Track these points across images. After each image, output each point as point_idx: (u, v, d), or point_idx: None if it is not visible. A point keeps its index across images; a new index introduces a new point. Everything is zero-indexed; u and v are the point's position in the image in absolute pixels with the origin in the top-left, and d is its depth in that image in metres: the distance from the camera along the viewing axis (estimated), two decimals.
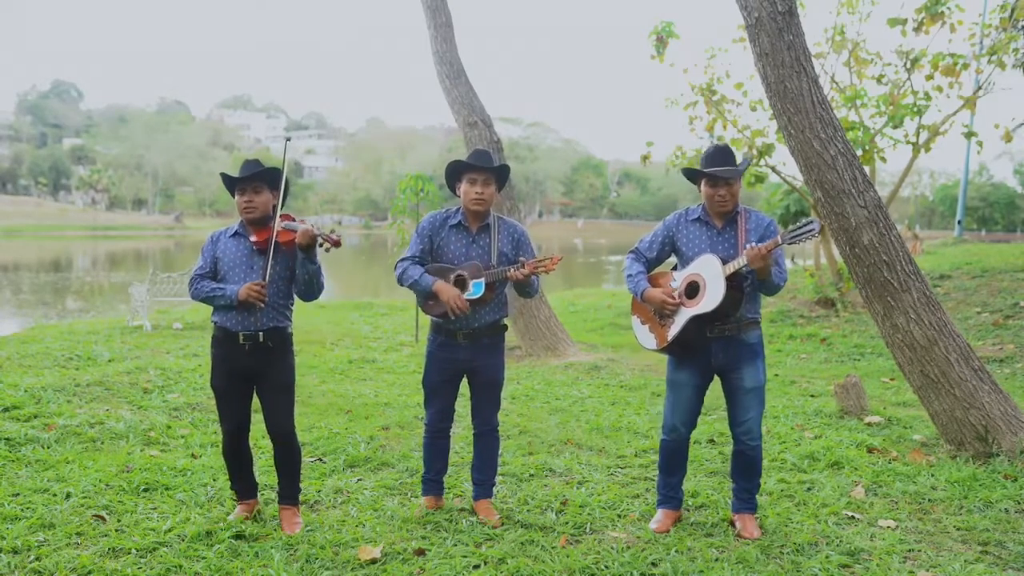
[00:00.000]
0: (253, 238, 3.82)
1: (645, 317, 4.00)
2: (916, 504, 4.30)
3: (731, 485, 4.07)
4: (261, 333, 3.78)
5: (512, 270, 3.87)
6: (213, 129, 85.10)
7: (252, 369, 3.82)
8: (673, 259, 4.05)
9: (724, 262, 3.70)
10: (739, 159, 3.88)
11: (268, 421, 3.89)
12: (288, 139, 4.13)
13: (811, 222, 3.55)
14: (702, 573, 3.46)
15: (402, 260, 4.04)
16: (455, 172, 4.03)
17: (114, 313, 14.06)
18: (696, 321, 3.76)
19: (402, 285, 4.03)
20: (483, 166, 3.97)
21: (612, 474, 4.85)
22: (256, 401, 3.94)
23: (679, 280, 3.87)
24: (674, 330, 3.83)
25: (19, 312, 16.08)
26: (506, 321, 4.13)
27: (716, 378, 3.96)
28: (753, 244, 3.63)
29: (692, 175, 3.94)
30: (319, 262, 3.79)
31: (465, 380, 4.13)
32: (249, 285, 3.69)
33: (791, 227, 3.62)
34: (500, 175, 4.03)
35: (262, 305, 3.72)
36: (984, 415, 4.94)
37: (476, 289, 3.90)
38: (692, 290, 3.80)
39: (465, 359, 4.02)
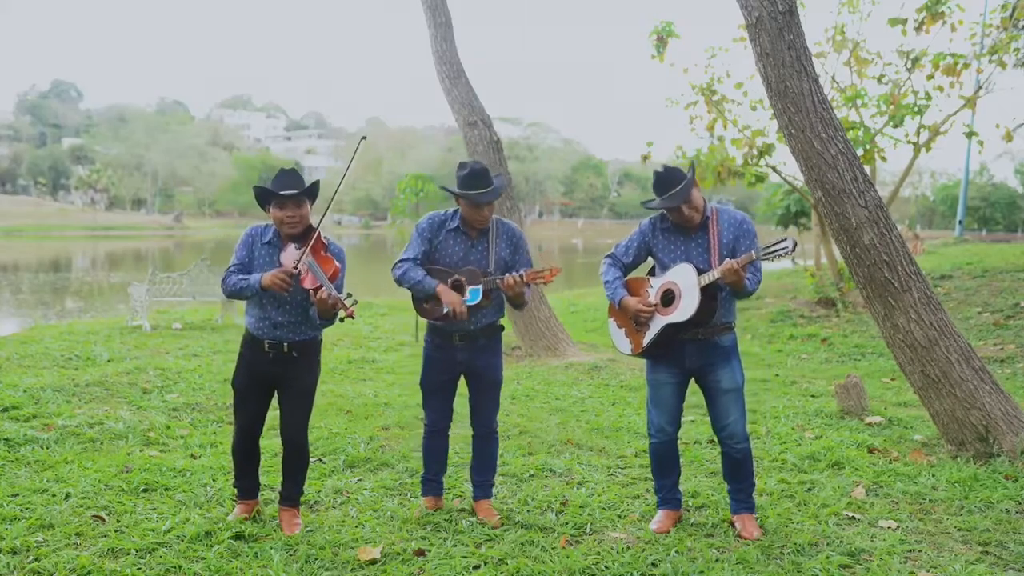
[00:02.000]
0: (284, 260, 3.70)
1: (621, 322, 4.02)
2: (917, 504, 4.30)
3: (727, 487, 4.06)
4: (286, 344, 3.76)
5: (509, 277, 3.82)
6: (213, 129, 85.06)
7: (274, 375, 3.81)
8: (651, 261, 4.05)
9: (700, 272, 3.72)
10: (686, 171, 3.84)
11: (283, 424, 3.88)
12: (363, 138, 4.01)
13: (786, 240, 3.59)
14: (702, 574, 3.45)
15: (403, 260, 4.01)
16: (458, 195, 3.95)
17: (113, 313, 14.05)
18: (672, 328, 3.79)
19: (402, 286, 4.00)
20: (487, 200, 3.88)
21: (612, 474, 4.84)
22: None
23: (655, 287, 3.88)
24: (649, 336, 3.87)
25: (18, 312, 16.07)
26: (502, 321, 4.13)
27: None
28: (728, 258, 3.69)
29: (649, 207, 3.89)
30: (335, 320, 3.70)
31: (464, 381, 4.12)
32: (275, 272, 3.59)
33: (767, 244, 3.65)
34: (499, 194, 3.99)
35: (286, 293, 3.61)
36: (985, 415, 4.93)
37: (473, 296, 3.89)
38: (668, 298, 3.82)
39: (463, 360, 4.02)
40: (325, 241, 3.75)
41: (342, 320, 3.62)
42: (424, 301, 3.99)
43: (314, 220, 3.81)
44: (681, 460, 4.15)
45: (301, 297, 3.73)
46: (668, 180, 3.79)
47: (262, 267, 3.76)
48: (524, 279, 3.81)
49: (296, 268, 3.61)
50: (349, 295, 3.56)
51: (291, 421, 3.85)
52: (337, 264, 3.70)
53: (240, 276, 3.73)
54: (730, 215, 3.87)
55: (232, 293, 3.75)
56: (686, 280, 3.75)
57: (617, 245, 4.07)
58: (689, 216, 3.80)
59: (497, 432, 4.18)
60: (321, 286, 3.53)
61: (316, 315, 3.66)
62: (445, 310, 3.88)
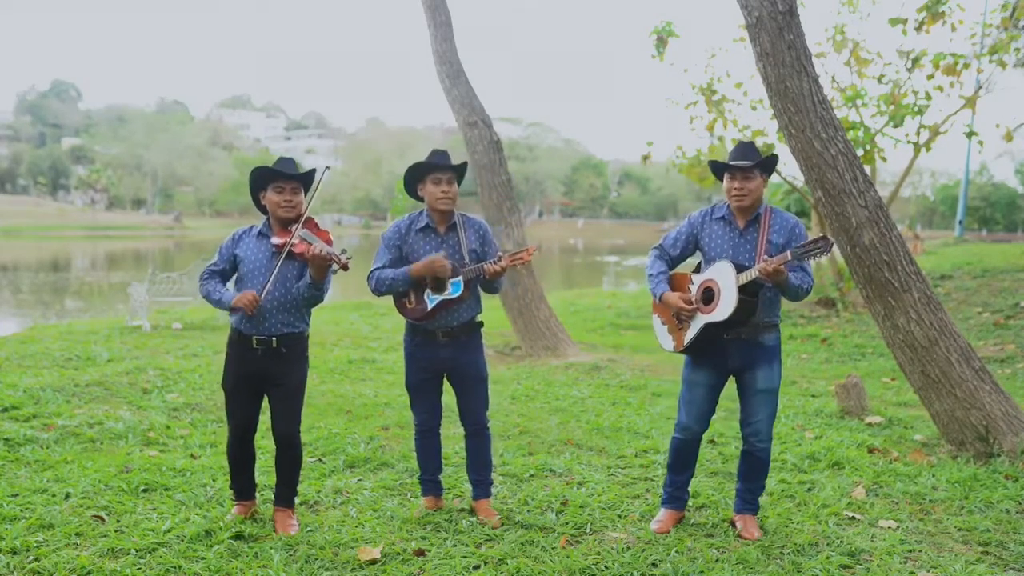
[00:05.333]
0: (275, 240, 3.78)
1: (665, 318, 3.99)
2: (917, 504, 4.30)
3: (736, 485, 4.06)
4: (274, 338, 3.76)
5: (489, 264, 3.88)
6: (212, 129, 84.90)
7: (263, 372, 3.80)
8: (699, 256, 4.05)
9: (739, 270, 3.69)
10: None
11: (274, 423, 3.88)
12: (327, 168, 4.04)
13: (823, 240, 3.56)
14: (703, 574, 3.45)
15: (372, 272, 4.02)
16: (417, 175, 4.01)
17: (113, 313, 14.03)
18: (712, 327, 3.76)
19: (380, 293, 4.00)
20: (446, 164, 3.97)
21: (612, 474, 4.84)
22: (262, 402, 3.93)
23: (696, 284, 3.86)
24: (690, 335, 3.84)
25: (18, 312, 16.06)
26: (480, 318, 4.14)
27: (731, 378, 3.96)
28: (768, 256, 3.66)
29: (715, 168, 3.93)
30: (326, 289, 3.73)
31: (448, 382, 4.13)
32: (244, 293, 3.67)
33: (802, 244, 3.62)
34: (461, 173, 4.04)
35: (250, 314, 3.69)
36: (985, 415, 4.93)
37: (455, 289, 3.91)
38: (708, 296, 3.79)
39: (446, 357, 4.02)
40: (316, 223, 3.84)
41: (334, 272, 3.70)
42: (407, 299, 4.00)
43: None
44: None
45: (285, 282, 3.76)
46: (747, 151, 3.82)
47: (253, 260, 3.80)
48: (504, 262, 3.85)
49: (290, 241, 3.70)
50: (344, 251, 3.63)
51: (282, 421, 3.85)
52: (330, 237, 3.76)
53: (215, 286, 3.81)
54: (783, 218, 3.85)
55: (204, 297, 3.85)
56: (725, 278, 3.72)
57: (666, 236, 4.05)
58: (740, 191, 3.76)
59: (489, 428, 4.18)
60: (313, 245, 3.62)
61: (307, 281, 3.68)
62: (432, 303, 3.90)
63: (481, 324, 4.14)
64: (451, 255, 3.99)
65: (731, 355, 3.83)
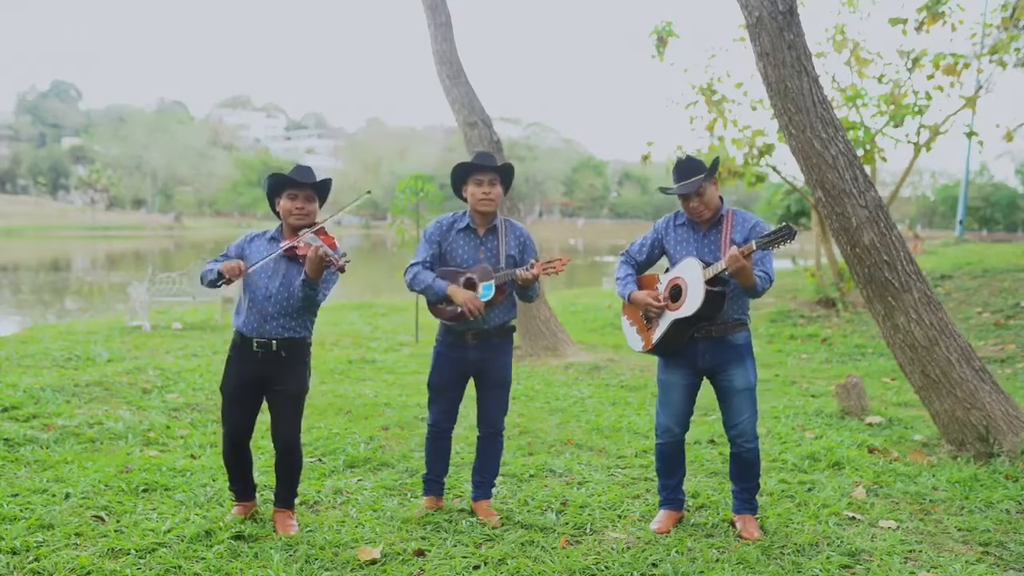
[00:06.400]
0: (283, 244, 3.78)
1: (634, 319, 4.02)
2: (917, 504, 4.30)
3: (731, 486, 4.06)
4: (274, 341, 3.76)
5: (521, 271, 3.88)
6: (212, 129, 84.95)
7: (263, 376, 3.80)
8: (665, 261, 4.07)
9: (706, 265, 3.71)
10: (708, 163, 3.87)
11: (273, 428, 3.87)
12: (368, 192, 3.99)
13: (785, 227, 3.53)
14: (703, 574, 3.45)
15: (412, 265, 4.03)
16: (461, 175, 4.03)
17: (113, 313, 14.04)
18: (680, 324, 3.77)
19: (413, 290, 4.02)
20: (489, 166, 3.98)
21: (612, 474, 4.84)
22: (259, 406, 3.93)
23: (664, 283, 3.89)
24: (658, 333, 3.85)
25: (18, 312, 16.05)
26: (513, 322, 4.13)
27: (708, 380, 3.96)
28: (735, 246, 3.65)
29: (666, 193, 3.96)
30: (321, 292, 3.72)
31: (472, 383, 4.13)
32: (230, 261, 3.68)
33: (766, 233, 3.62)
34: (505, 175, 4.04)
35: (228, 280, 3.65)
36: (985, 415, 4.93)
37: (486, 291, 3.91)
38: (676, 293, 3.81)
39: (475, 359, 4.02)
40: (325, 231, 3.84)
41: (332, 274, 3.70)
42: (439, 302, 4.01)
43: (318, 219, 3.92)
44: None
45: (288, 286, 3.75)
46: (687, 168, 3.82)
47: (257, 259, 3.79)
48: (536, 270, 3.85)
49: (296, 243, 3.71)
50: (343, 254, 3.63)
51: (281, 425, 3.84)
52: (335, 242, 3.77)
53: (211, 265, 3.81)
54: (744, 217, 3.87)
55: (202, 278, 3.84)
56: (692, 274, 3.74)
57: (632, 243, 4.09)
58: (696, 209, 3.81)
59: (503, 434, 4.18)
60: (312, 245, 3.62)
61: (302, 279, 3.66)
62: (459, 309, 3.90)
63: (513, 329, 4.14)
64: (488, 258, 4.00)
65: (701, 354, 3.83)
